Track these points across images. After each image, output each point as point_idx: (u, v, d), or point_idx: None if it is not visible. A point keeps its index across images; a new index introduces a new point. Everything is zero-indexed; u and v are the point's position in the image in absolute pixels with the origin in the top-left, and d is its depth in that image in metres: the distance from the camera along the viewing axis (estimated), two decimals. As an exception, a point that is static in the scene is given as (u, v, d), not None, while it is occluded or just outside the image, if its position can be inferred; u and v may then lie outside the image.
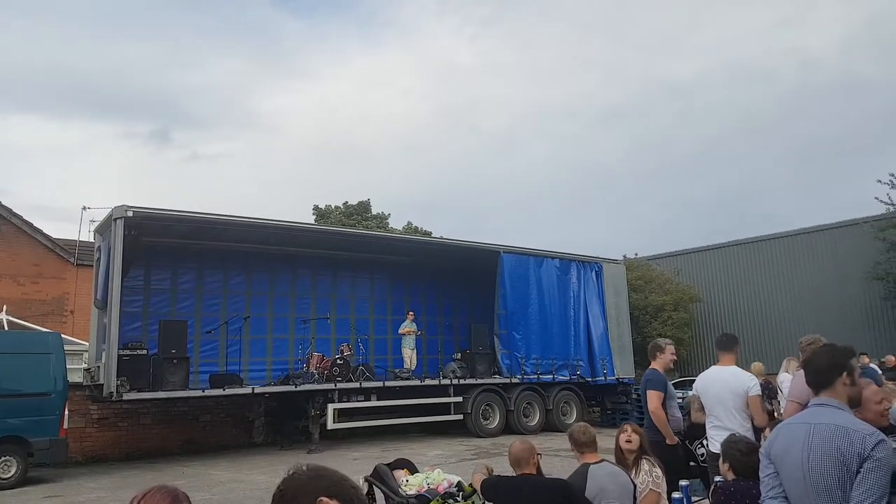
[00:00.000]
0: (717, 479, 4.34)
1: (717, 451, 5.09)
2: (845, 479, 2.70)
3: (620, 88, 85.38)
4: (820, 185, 67.56)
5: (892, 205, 22.32)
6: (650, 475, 4.84)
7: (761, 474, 3.09)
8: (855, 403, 3.07)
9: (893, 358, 15.10)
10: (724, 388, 5.72)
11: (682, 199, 75.77)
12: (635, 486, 4.65)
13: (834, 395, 2.94)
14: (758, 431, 5.59)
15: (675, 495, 4.45)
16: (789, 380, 10.74)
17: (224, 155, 76.97)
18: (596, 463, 4.55)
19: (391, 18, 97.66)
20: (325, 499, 1.69)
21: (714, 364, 6.10)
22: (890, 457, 2.72)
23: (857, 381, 3.10)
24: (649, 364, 6.78)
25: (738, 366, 5.90)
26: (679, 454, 6.30)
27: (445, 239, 20.45)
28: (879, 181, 22.46)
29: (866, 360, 14.75)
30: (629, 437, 5.01)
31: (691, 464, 6.54)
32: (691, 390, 7.89)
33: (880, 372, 14.37)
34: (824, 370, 2.99)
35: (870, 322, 24.11)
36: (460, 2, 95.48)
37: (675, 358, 6.80)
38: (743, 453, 4.06)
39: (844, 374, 2.98)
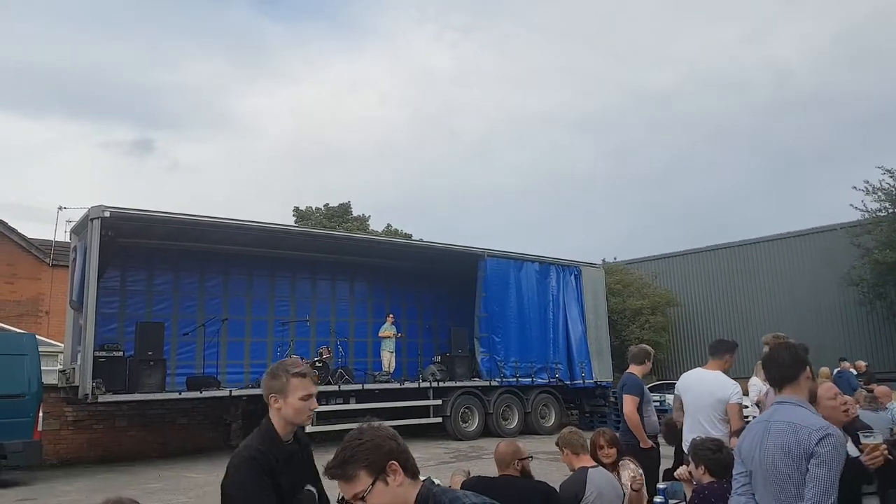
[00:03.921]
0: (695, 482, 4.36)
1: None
2: (795, 474, 2.73)
3: (597, 97, 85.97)
4: (795, 192, 68.44)
5: (867, 211, 22.64)
6: (636, 473, 4.89)
7: (734, 472, 3.16)
8: (812, 398, 3.13)
9: (864, 363, 15.33)
10: (706, 392, 5.54)
11: (659, 206, 76.39)
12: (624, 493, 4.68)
13: (798, 390, 2.99)
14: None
15: (657, 500, 4.47)
16: (758, 384, 10.83)
17: (203, 162, 76.44)
18: (593, 467, 4.58)
19: (371, 24, 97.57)
20: (394, 463, 1.89)
21: (697, 367, 5.98)
22: (836, 451, 2.71)
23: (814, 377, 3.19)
24: (628, 367, 6.74)
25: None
26: (655, 457, 6.31)
27: (428, 242, 20.40)
28: (855, 187, 22.81)
29: (846, 365, 14.91)
30: (606, 453, 5.00)
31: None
32: (670, 393, 7.81)
33: (855, 373, 14.56)
34: (790, 365, 3.03)
35: (845, 327, 24.44)
36: (439, 9, 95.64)
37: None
38: (713, 451, 4.11)
39: (807, 368, 3.04)
